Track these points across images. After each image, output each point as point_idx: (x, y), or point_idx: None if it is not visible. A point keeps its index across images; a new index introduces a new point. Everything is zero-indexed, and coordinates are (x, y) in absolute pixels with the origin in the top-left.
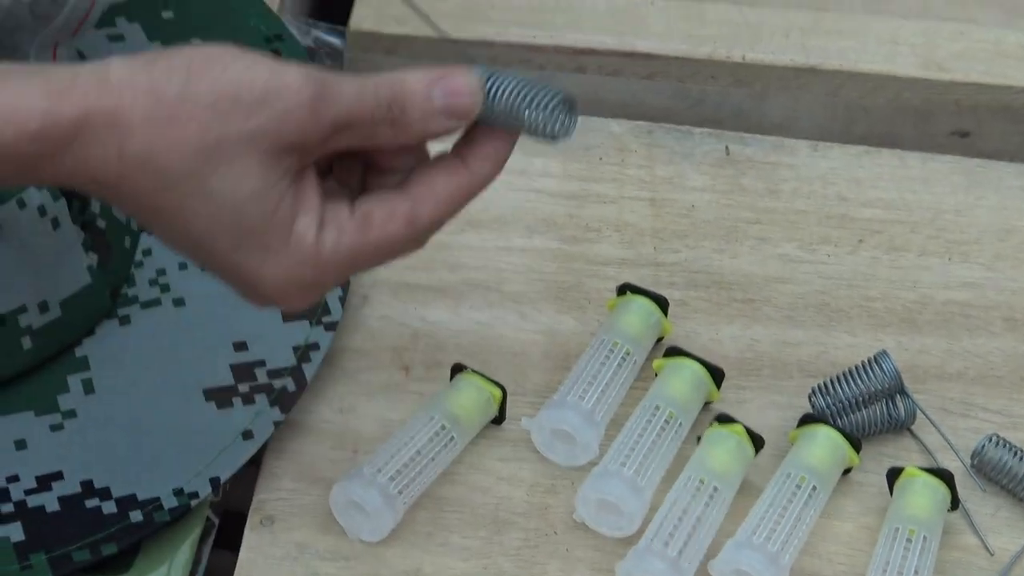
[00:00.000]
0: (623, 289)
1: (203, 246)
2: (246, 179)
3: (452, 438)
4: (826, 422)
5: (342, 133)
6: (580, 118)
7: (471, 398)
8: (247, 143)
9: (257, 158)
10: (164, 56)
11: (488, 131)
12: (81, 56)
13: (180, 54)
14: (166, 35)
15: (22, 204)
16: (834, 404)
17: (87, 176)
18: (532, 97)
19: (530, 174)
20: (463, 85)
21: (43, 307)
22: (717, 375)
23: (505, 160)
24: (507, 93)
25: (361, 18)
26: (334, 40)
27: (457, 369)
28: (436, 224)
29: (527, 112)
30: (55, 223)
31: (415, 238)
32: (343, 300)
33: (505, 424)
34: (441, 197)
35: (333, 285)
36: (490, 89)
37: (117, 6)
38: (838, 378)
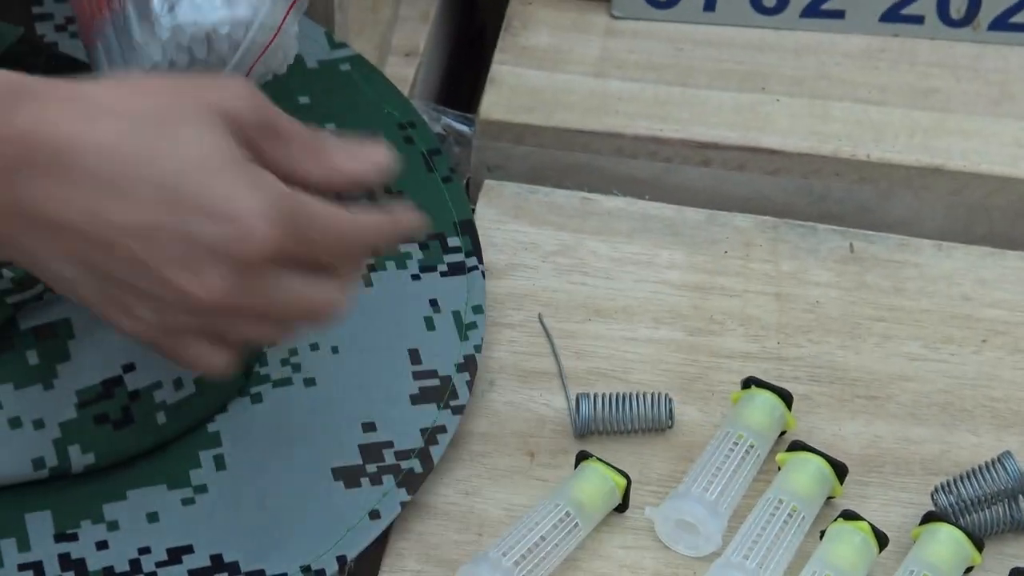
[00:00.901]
0: (748, 382)
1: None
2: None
3: (576, 524)
4: (949, 521)
5: (269, 139)
6: (707, 213)
7: (595, 486)
8: (195, 103)
9: (207, 115)
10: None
11: None
12: None
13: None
14: (303, 120)
15: None
16: (957, 503)
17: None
18: (631, 407)
19: (656, 265)
20: (377, 156)
21: (178, 384)
22: (840, 470)
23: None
24: (609, 410)
25: (490, 106)
26: (463, 127)
27: (582, 456)
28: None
29: (631, 423)
30: None
31: (343, 234)
32: (470, 384)
33: (628, 512)
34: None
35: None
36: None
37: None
38: (961, 477)
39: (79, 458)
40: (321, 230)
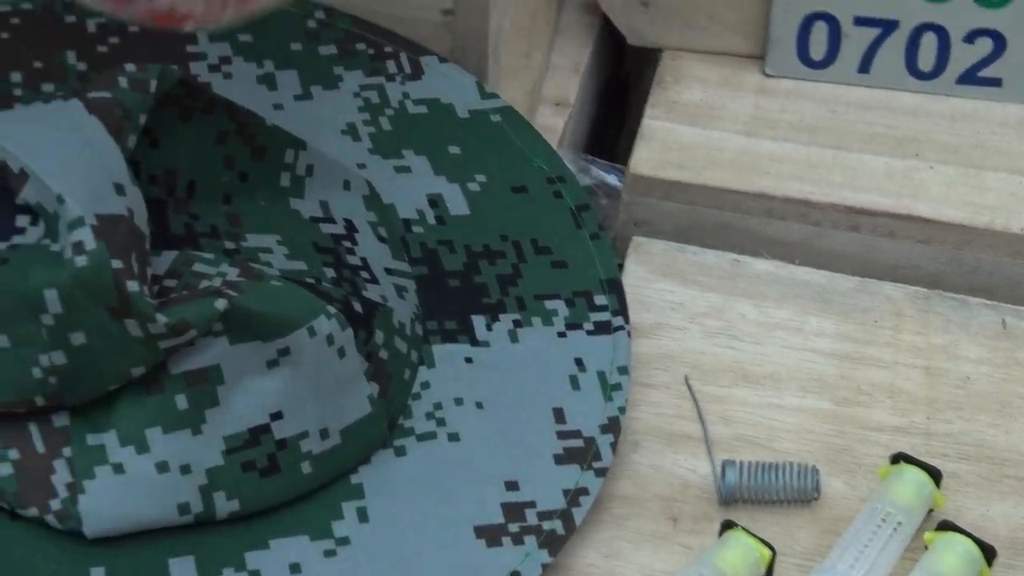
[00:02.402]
0: (896, 458)
1: None
2: None
3: None
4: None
5: None
6: (857, 281)
7: (740, 556)
8: None
9: None
10: None
11: None
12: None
13: None
14: (452, 170)
15: (312, 332)
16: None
17: None
18: (778, 476)
19: (805, 332)
20: None
21: (324, 434)
22: (989, 553)
23: None
24: (755, 478)
25: (640, 161)
26: (613, 180)
27: (727, 525)
28: None
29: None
30: (341, 352)
31: None
32: (614, 446)
33: None
34: None
35: None
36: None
37: (403, 138)
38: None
39: (224, 505)
40: None
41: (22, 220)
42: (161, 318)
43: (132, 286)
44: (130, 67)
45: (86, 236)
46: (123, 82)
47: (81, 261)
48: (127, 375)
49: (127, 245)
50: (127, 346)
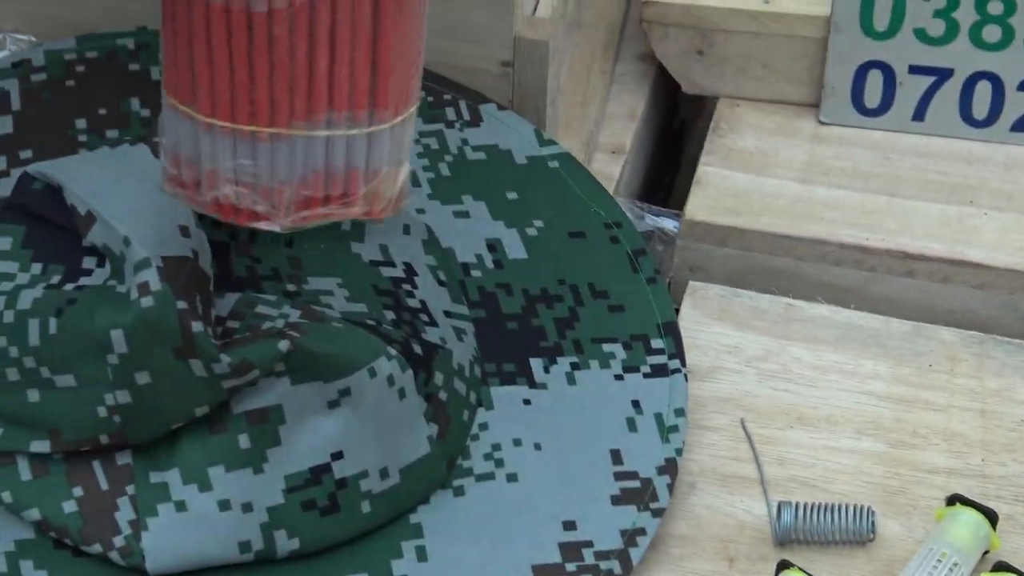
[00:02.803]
0: (952, 499)
1: None
2: None
3: None
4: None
5: None
6: (912, 325)
7: None
8: None
9: None
10: None
11: None
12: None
13: None
14: (510, 215)
15: (373, 373)
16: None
17: None
18: (834, 518)
19: (860, 375)
20: None
21: (384, 473)
22: None
23: None
24: (810, 520)
25: (696, 207)
26: (669, 226)
27: (783, 566)
28: None
29: (832, 534)
30: (402, 393)
31: None
32: (671, 487)
33: None
34: None
35: None
36: (795, 514)
37: (462, 183)
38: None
39: (285, 543)
40: None
41: (88, 261)
42: (225, 358)
43: (197, 327)
44: None
45: (152, 277)
46: None
47: (147, 302)
48: (191, 414)
49: (191, 286)
50: (191, 386)
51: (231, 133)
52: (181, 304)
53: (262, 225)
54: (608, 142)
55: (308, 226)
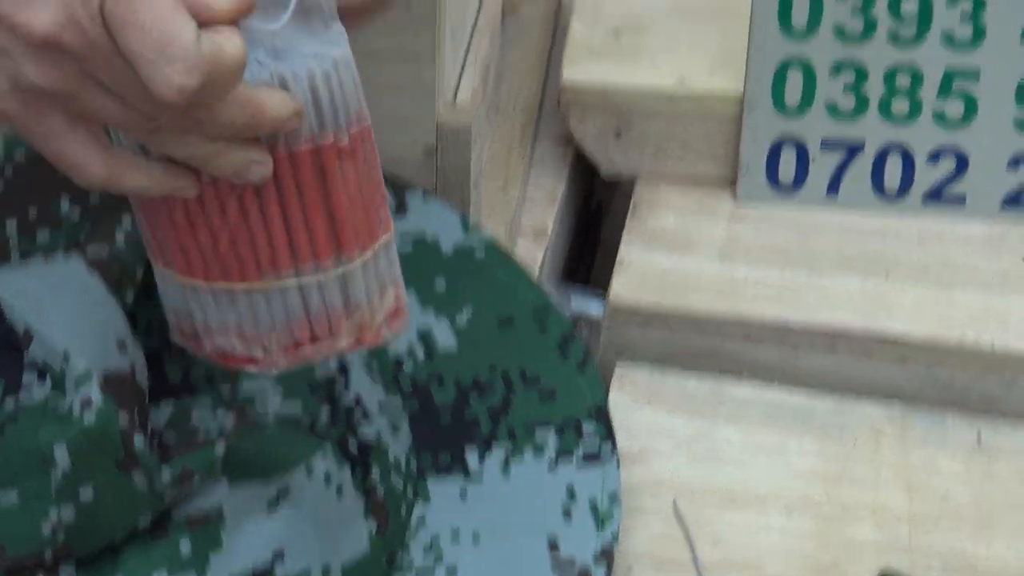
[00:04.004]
0: (884, 574)
1: None
2: None
3: None
4: None
5: None
6: (835, 401)
7: None
8: None
9: None
10: None
11: None
12: None
13: None
14: (439, 303)
15: (310, 470)
16: None
17: None
18: None
19: (788, 453)
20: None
21: (325, 571)
22: None
23: None
24: None
25: (619, 290)
26: (593, 310)
27: None
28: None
29: None
30: (339, 490)
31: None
32: (608, 573)
33: None
34: None
35: None
36: None
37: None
38: None
39: None
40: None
41: (28, 377)
42: (166, 469)
43: (138, 440)
44: (126, 221)
45: (94, 392)
46: (120, 239)
47: (89, 417)
48: (134, 525)
49: (131, 400)
50: (134, 498)
51: (208, 291)
52: (123, 417)
53: (262, 369)
54: (530, 224)
55: (299, 363)
